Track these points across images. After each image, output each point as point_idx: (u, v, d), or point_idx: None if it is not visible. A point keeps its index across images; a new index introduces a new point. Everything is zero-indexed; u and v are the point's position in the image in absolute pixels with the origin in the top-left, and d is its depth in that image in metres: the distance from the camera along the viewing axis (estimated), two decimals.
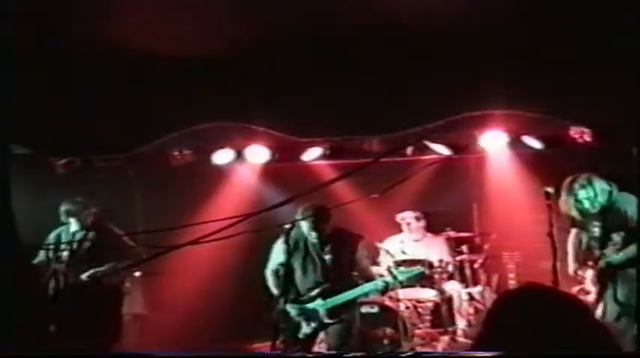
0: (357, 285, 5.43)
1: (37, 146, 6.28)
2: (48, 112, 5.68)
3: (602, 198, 5.14)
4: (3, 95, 2.62)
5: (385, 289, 5.57)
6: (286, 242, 5.34)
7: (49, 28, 4.77)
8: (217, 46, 5.25)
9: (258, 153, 7.28)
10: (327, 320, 5.35)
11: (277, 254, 5.48)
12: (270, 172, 7.56)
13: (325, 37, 5.16)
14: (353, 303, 5.53)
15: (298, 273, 5.41)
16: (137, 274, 6.93)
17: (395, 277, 5.47)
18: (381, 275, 5.69)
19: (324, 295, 5.35)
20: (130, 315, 6.66)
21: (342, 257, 5.42)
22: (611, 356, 1.77)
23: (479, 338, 1.87)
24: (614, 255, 5.09)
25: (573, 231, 5.60)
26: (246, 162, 7.48)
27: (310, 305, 5.36)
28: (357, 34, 5.19)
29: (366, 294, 5.54)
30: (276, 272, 5.47)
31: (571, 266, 5.56)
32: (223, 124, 6.28)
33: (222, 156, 7.34)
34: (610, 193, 5.12)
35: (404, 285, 6.69)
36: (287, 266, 5.39)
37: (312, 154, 7.33)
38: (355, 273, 5.55)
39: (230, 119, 6.18)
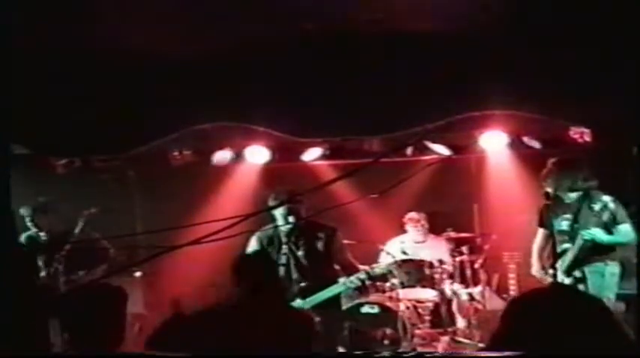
0: (337, 281, 5.22)
1: (37, 146, 6.27)
2: (48, 112, 5.67)
3: (576, 193, 5.23)
4: (3, 95, 2.61)
5: (361, 285, 5.41)
6: (259, 239, 5.25)
7: (49, 28, 4.77)
8: (217, 46, 5.25)
9: (258, 153, 7.28)
10: None
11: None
12: (270, 172, 7.56)
13: (325, 36, 5.16)
14: (335, 302, 5.34)
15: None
16: (137, 274, 6.93)
17: (368, 273, 5.31)
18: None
19: (303, 294, 5.18)
20: (129, 315, 6.65)
21: (317, 251, 5.19)
22: (611, 356, 1.77)
23: (495, 337, 1.87)
24: (596, 234, 5.14)
25: (540, 231, 5.64)
26: (246, 162, 7.48)
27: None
28: (357, 34, 5.19)
29: (342, 292, 5.33)
30: None
31: (535, 266, 5.64)
32: (223, 124, 6.27)
33: (222, 156, 7.34)
34: (587, 190, 5.19)
35: (404, 285, 6.72)
36: None
37: (312, 154, 7.33)
38: (337, 267, 5.38)
39: (230, 119, 6.17)
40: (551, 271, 5.29)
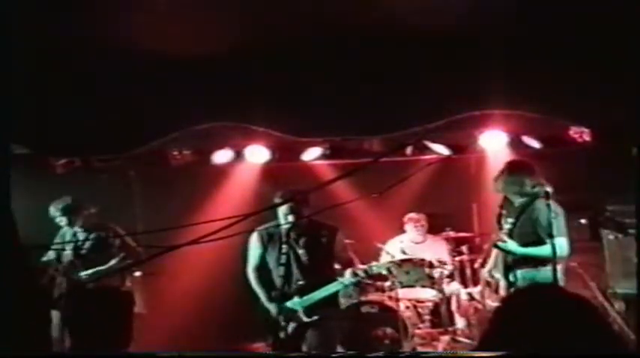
0: (335, 281, 5.22)
1: (37, 146, 6.27)
2: (48, 112, 5.68)
3: (524, 198, 5.20)
4: (3, 95, 2.62)
5: (358, 283, 5.39)
6: (260, 236, 5.25)
7: (49, 28, 4.77)
8: (217, 46, 5.25)
9: (258, 153, 7.28)
10: (306, 319, 5.16)
11: (254, 250, 5.37)
12: (270, 172, 7.56)
13: (325, 36, 5.16)
14: (335, 301, 5.34)
15: (274, 270, 5.21)
16: (137, 274, 6.93)
17: (366, 271, 5.31)
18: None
19: (301, 293, 5.21)
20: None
21: (318, 250, 5.18)
22: (611, 356, 1.77)
23: (484, 337, 1.88)
24: (515, 245, 5.12)
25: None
26: (246, 162, 7.48)
27: (288, 304, 5.14)
28: (357, 34, 5.19)
29: (340, 291, 5.32)
30: (256, 270, 5.35)
31: (488, 266, 5.60)
32: (223, 124, 6.28)
33: (222, 156, 7.34)
34: (534, 195, 5.14)
35: (404, 285, 6.72)
36: (263, 262, 5.30)
37: (312, 154, 7.34)
38: (337, 267, 5.38)
39: (230, 119, 6.17)
40: (496, 275, 5.36)
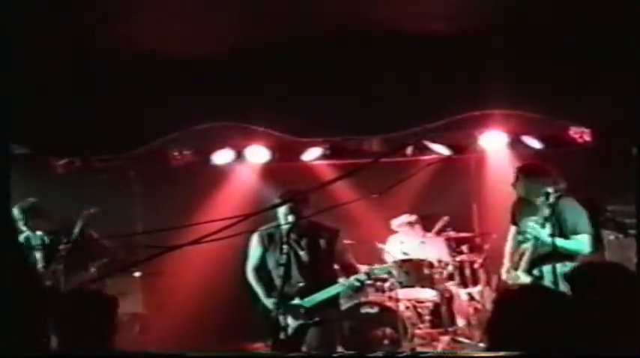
0: (336, 282, 5.23)
1: (37, 146, 6.27)
2: (48, 112, 5.68)
3: (546, 197, 5.19)
4: (3, 95, 2.62)
5: (360, 286, 5.41)
6: (261, 237, 5.25)
7: (50, 28, 4.77)
8: (217, 46, 5.25)
9: (258, 153, 7.28)
10: (306, 320, 5.16)
11: (254, 251, 5.37)
12: (270, 172, 7.56)
13: (325, 37, 5.16)
14: (335, 302, 5.35)
15: (274, 270, 5.19)
16: (137, 274, 6.93)
17: (368, 274, 5.31)
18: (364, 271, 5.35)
19: (301, 294, 5.23)
20: (129, 315, 6.66)
21: (319, 252, 5.15)
22: (611, 356, 1.78)
23: (486, 335, 1.89)
24: (540, 233, 5.11)
25: (512, 230, 5.61)
26: (246, 162, 7.48)
27: (289, 305, 5.11)
28: (357, 34, 5.19)
29: (341, 293, 5.33)
30: (256, 270, 5.35)
31: (505, 265, 5.57)
32: (223, 124, 6.28)
33: (222, 156, 7.34)
34: (559, 194, 5.14)
35: (404, 285, 6.73)
36: (264, 262, 5.30)
37: (312, 154, 7.34)
38: (337, 268, 5.39)
39: (230, 119, 6.17)
40: (515, 272, 5.34)
